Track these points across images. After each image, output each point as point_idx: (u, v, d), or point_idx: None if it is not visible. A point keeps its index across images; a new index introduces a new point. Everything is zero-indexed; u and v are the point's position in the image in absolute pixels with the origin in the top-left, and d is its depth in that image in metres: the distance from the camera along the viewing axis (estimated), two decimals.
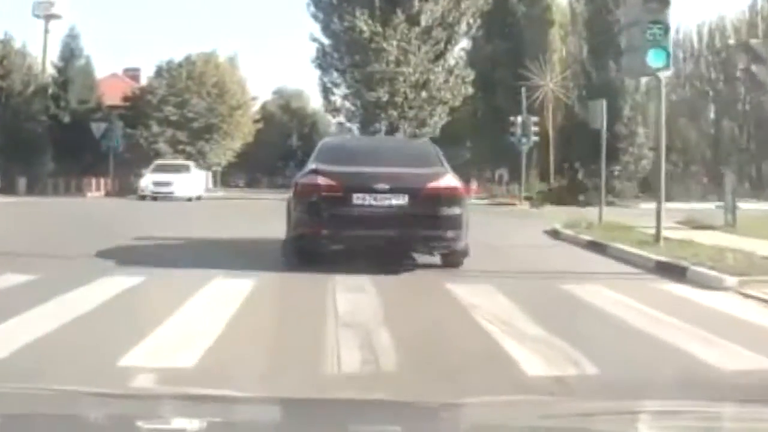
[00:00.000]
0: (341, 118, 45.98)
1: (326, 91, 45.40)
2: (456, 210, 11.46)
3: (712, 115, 63.81)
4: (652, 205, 16.46)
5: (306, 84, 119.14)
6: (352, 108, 45.12)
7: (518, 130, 42.99)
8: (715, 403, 3.84)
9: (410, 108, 43.55)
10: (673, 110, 51.32)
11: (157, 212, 27.01)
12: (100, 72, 62.07)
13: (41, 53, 66.29)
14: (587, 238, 15.95)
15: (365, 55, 42.76)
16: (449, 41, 44.63)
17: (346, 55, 44.11)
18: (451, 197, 11.50)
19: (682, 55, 63.33)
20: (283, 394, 4.85)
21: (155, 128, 59.04)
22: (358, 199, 11.26)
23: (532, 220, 24.37)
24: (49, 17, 74.79)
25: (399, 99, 43.05)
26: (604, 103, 19.70)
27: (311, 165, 12.34)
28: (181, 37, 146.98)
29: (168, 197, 35.70)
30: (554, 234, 18.20)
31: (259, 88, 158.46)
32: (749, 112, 61.24)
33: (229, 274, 10.55)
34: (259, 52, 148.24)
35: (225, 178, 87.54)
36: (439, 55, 44.33)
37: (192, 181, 38.63)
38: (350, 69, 44.02)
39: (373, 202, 11.24)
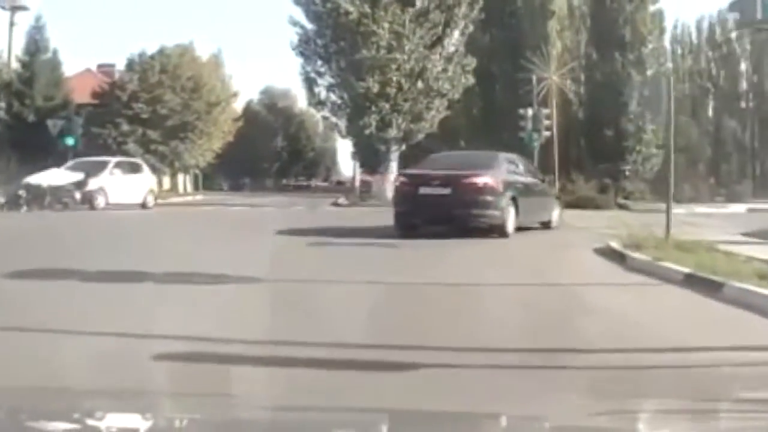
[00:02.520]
0: (326, 113, 40.89)
1: (309, 82, 40.31)
2: (486, 197, 17.00)
3: (711, 112, 61.94)
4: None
5: (294, 83, 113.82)
6: (339, 101, 40.08)
7: (529, 125, 37.99)
8: (714, 402, 3.97)
9: (404, 100, 38.55)
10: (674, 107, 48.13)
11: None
12: (72, 68, 58.31)
13: (6, 47, 61.10)
14: (680, 269, 10.43)
15: (353, 41, 37.87)
16: (448, 25, 39.62)
17: (332, 40, 39.08)
18: (479, 189, 17.03)
19: (680, 50, 62.20)
20: None
21: (125, 127, 53.82)
22: (422, 189, 17.23)
23: (564, 233, 19.33)
24: (15, 8, 69.17)
25: (392, 90, 38.07)
26: (671, 80, 14.63)
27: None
28: (163, 32, 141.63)
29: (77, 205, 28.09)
30: (615, 257, 12.94)
31: (245, 87, 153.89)
32: (752, 108, 59.78)
33: None
34: (248, 52, 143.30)
35: (208, 181, 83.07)
36: (437, 41, 39.38)
37: (133, 186, 30.86)
38: (336, 56, 39.02)
39: (430, 191, 17.10)
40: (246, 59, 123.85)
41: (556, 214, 20.75)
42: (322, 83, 40.23)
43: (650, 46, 49.56)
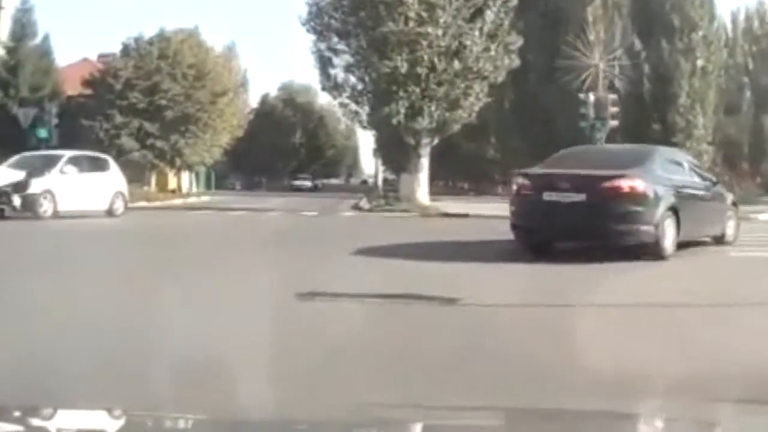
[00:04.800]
0: (344, 98, 34.21)
1: (323, 62, 33.65)
2: (635, 207, 12.98)
3: (748, 108, 58.05)
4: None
5: (315, 79, 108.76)
6: (359, 84, 33.52)
7: (591, 112, 31.29)
8: (714, 403, 3.96)
9: (438, 84, 31.96)
10: None
11: None
12: (70, 57, 51.95)
13: None
14: None
15: (375, 12, 31.34)
16: None
17: (350, 12, 32.44)
18: (625, 195, 12.96)
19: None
20: None
21: (118, 118, 47.53)
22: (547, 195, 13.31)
23: (744, 251, 14.98)
24: None
25: (423, 71, 31.52)
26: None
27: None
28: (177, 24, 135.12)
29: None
30: None
31: (264, 83, 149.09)
32: None
33: None
34: (271, 50, 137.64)
35: (220, 180, 77.72)
36: (476, 14, 32.69)
37: (94, 188, 23.86)
38: (355, 30, 32.38)
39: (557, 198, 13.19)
40: (269, 58, 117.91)
41: (731, 225, 16.59)
42: (339, 63, 33.65)
43: (700, 33, 46.90)
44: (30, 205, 21.84)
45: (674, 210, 13.62)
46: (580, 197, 13.05)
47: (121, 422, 2.82)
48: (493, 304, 8.67)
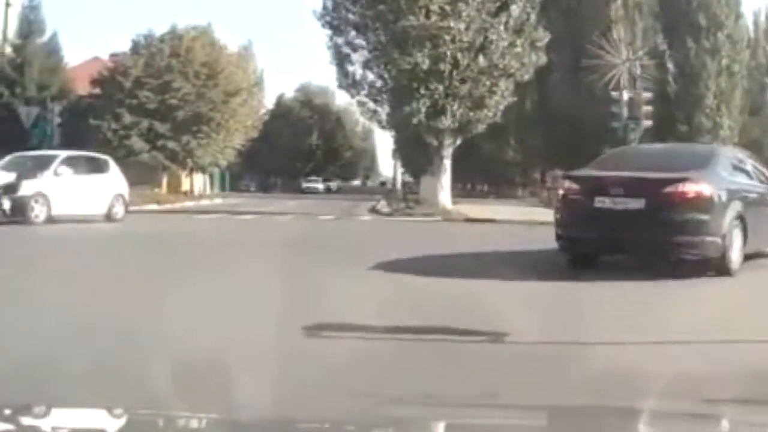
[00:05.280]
0: (362, 96, 32.33)
1: (340, 58, 31.78)
2: (699, 215, 11.13)
3: None
4: None
5: (332, 80, 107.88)
6: (378, 81, 31.66)
7: (624, 111, 29.34)
8: (714, 402, 4.06)
9: (462, 81, 30.12)
10: None
11: None
12: (81, 56, 50.50)
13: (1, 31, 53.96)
14: None
15: (395, 5, 29.45)
16: None
17: (369, 5, 30.56)
18: (689, 201, 11.12)
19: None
20: None
21: (127, 118, 45.87)
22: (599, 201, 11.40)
23: None
24: None
25: (445, 67, 29.68)
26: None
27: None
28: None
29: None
30: None
31: (280, 84, 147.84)
32: None
33: None
34: (284, 49, 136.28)
35: (235, 182, 76.43)
36: (502, 7, 30.84)
37: (92, 190, 21.97)
38: (374, 25, 30.52)
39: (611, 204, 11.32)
40: (286, 59, 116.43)
41: None
42: (357, 59, 31.77)
43: (726, 32, 46.36)
44: (20, 210, 19.99)
45: (741, 219, 11.78)
46: (638, 204, 11.19)
47: (121, 421, 2.76)
48: (558, 341, 6.72)
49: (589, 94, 45.29)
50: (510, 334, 6.77)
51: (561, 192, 12.62)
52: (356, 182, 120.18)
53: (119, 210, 22.91)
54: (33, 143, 32.04)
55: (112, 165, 23.57)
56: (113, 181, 23.01)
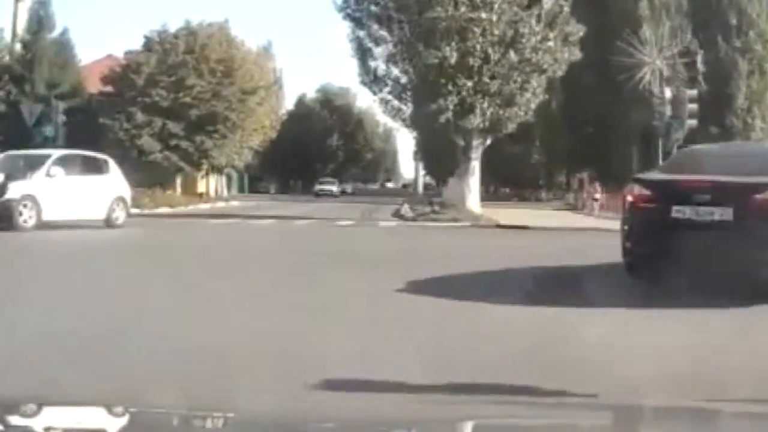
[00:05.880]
0: (385, 94, 30.28)
1: (362, 52, 29.77)
2: None
3: None
4: None
5: (354, 81, 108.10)
6: (403, 77, 29.61)
7: (667, 110, 27.18)
8: (714, 402, 3.88)
9: (492, 77, 28.07)
10: None
11: None
12: (96, 54, 49.39)
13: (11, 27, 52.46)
14: None
15: None
16: None
17: None
18: None
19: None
20: None
21: (139, 117, 44.06)
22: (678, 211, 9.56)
23: None
24: None
25: (475, 62, 27.65)
26: None
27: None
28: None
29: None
30: None
31: (300, 85, 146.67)
32: None
33: None
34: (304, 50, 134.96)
35: (254, 183, 75.14)
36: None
37: (89, 193, 19.84)
38: (399, 17, 28.47)
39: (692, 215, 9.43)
40: (306, 61, 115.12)
41: None
42: (380, 53, 29.74)
43: (757, 30, 46.33)
44: (6, 214, 18.01)
45: None
46: (725, 214, 9.29)
47: (122, 421, 2.69)
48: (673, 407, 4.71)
49: (618, 94, 44.28)
50: (601, 393, 4.75)
51: (629, 199, 10.52)
52: (374, 185, 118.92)
53: (120, 215, 20.81)
54: (36, 142, 30.26)
55: (112, 165, 21.41)
56: (113, 182, 20.87)
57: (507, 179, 75.23)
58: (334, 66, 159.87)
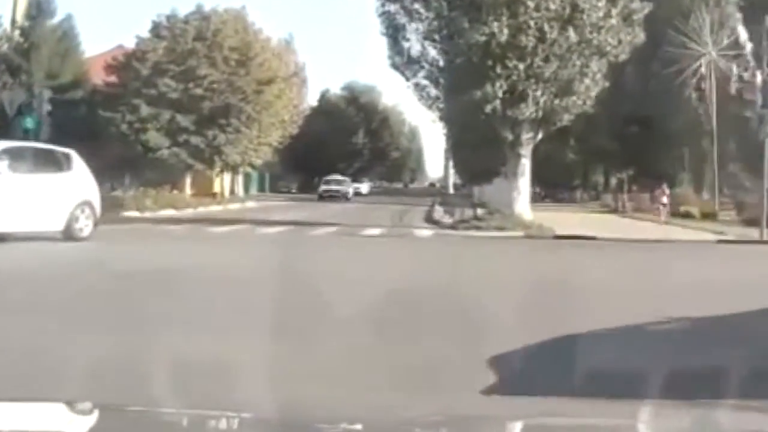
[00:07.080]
0: (420, 78, 25.84)
1: (394, 29, 25.40)
2: None
3: None
4: None
5: (381, 80, 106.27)
6: (440, 58, 25.20)
7: (758, 99, 22.61)
8: (714, 402, 3.87)
9: (546, 60, 23.63)
10: None
11: None
12: (104, 44, 48.66)
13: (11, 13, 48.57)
14: None
15: None
16: None
17: None
18: None
19: None
20: None
21: (145, 109, 39.95)
22: None
23: None
24: None
25: (528, 41, 23.22)
26: None
27: None
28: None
29: None
30: None
31: (324, 81, 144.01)
32: None
33: None
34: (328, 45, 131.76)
35: (274, 182, 71.36)
36: None
37: (45, 197, 15.50)
38: None
39: None
40: (330, 56, 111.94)
41: None
42: (413, 31, 25.30)
43: None
44: None
45: None
46: None
47: (122, 421, 2.66)
48: None
49: (666, 88, 41.89)
50: None
51: None
52: (398, 185, 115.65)
53: (84, 224, 16.16)
54: (17, 135, 26.06)
55: (77, 161, 16.61)
56: (77, 183, 16.23)
57: (537, 179, 71.06)
58: (360, 65, 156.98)
